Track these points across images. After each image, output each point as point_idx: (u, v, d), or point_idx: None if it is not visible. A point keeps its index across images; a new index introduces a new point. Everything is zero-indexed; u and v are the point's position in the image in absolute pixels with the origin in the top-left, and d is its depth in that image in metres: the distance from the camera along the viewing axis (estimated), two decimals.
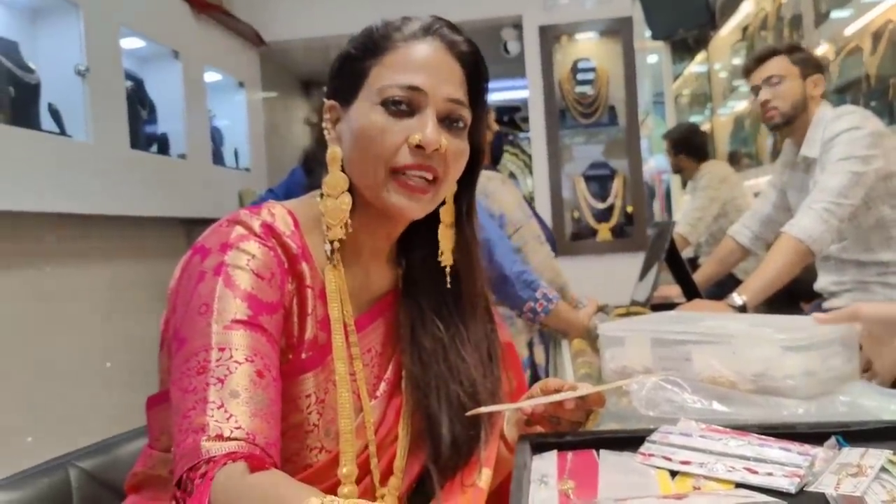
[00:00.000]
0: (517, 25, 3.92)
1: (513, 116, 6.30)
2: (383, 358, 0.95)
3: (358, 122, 0.86)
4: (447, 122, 0.87)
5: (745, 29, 4.55)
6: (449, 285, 0.94)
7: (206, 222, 0.91)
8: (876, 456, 0.72)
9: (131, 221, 2.83)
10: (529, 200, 5.77)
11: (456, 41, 0.88)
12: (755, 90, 2.31)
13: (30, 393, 2.27)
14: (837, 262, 2.18)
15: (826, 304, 2.23)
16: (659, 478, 0.78)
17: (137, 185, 2.76)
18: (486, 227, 1.81)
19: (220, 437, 0.70)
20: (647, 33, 5.08)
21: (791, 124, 2.24)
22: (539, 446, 0.91)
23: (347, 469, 0.87)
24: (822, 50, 3.29)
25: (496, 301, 1.94)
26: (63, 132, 2.47)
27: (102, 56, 2.60)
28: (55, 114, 2.47)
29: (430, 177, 0.86)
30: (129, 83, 2.84)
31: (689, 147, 4.03)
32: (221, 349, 0.75)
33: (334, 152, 0.88)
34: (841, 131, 2.04)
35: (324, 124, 0.90)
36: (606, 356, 1.31)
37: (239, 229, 0.84)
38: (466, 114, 0.89)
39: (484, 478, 0.91)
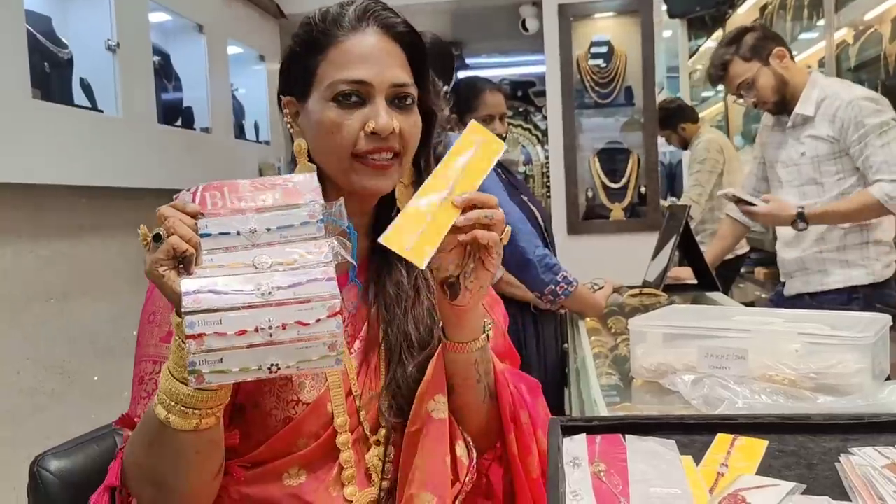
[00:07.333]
0: (536, 3, 3.93)
1: (527, 91, 6.33)
2: (357, 318, 1.03)
3: (316, 118, 0.95)
4: (396, 103, 0.95)
5: (763, 8, 4.55)
6: None
7: None
8: None
9: (156, 194, 2.89)
10: (544, 174, 5.82)
11: (392, 23, 0.96)
12: (738, 95, 2.41)
13: (65, 361, 2.35)
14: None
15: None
16: (684, 463, 0.86)
17: (164, 159, 2.81)
18: (509, 213, 1.86)
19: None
20: (664, 7, 5.07)
21: (786, 102, 2.32)
22: (569, 429, 0.99)
23: (341, 420, 0.96)
24: (841, 34, 3.31)
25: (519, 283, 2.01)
26: (94, 107, 2.52)
27: (131, 31, 2.63)
28: (87, 88, 2.52)
29: (390, 155, 0.95)
30: (156, 58, 2.88)
31: (686, 115, 4.11)
32: None
33: (299, 145, 0.98)
34: (854, 100, 2.17)
35: (285, 119, 0.99)
36: (637, 352, 1.28)
37: None
38: (413, 91, 0.97)
39: (440, 406, 0.96)
